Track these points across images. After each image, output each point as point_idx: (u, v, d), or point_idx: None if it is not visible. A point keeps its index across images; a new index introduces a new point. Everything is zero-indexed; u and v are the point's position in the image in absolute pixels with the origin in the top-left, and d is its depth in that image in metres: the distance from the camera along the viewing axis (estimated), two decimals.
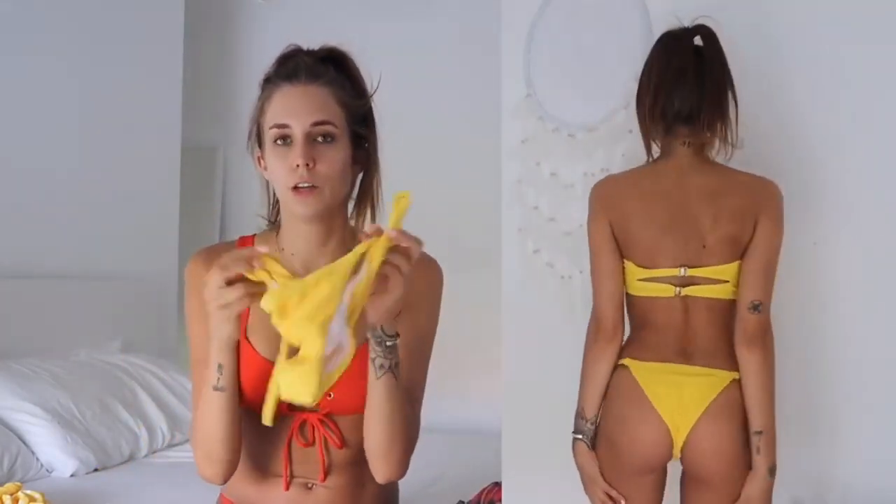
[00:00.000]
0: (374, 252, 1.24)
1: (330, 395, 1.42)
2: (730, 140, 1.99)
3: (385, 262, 1.24)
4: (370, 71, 1.52)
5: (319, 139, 1.40)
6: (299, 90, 1.41)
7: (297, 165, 1.37)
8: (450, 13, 4.32)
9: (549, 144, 2.55)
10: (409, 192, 1.24)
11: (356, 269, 1.23)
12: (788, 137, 2.24)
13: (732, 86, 1.99)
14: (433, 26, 4.36)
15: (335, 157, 1.40)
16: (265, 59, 1.49)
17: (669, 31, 2.03)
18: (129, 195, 4.06)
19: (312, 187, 1.38)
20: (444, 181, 4.12)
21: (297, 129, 1.39)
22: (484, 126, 3.32)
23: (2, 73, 3.50)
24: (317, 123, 1.39)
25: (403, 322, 1.38)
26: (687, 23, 2.02)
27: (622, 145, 2.44)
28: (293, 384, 1.20)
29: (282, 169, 1.39)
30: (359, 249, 1.24)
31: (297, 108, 1.40)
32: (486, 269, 3.01)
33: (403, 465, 1.44)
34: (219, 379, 1.35)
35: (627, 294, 2.03)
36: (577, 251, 2.49)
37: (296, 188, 1.39)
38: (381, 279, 1.25)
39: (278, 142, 1.40)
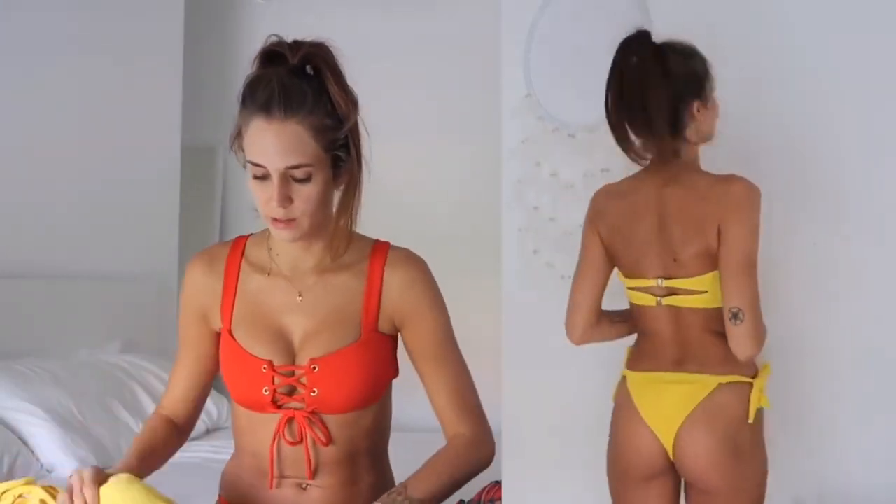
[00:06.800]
0: None
1: (314, 392, 1.43)
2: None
3: None
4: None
5: (296, 175, 1.36)
6: (274, 128, 1.35)
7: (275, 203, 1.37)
8: (450, 13, 4.32)
9: (549, 144, 2.55)
10: None
11: None
12: (788, 138, 2.24)
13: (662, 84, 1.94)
14: (433, 26, 4.36)
15: (311, 193, 1.38)
16: None
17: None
18: (129, 195, 4.05)
19: (290, 220, 1.38)
20: (445, 181, 4.12)
21: (272, 170, 1.36)
22: (484, 126, 3.32)
23: (1, 73, 3.50)
24: (291, 167, 1.36)
25: (419, 332, 1.35)
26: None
27: None
28: None
29: (260, 199, 1.39)
30: None
31: (271, 151, 1.35)
32: (486, 269, 3.01)
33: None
34: None
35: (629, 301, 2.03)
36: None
37: (274, 219, 1.39)
38: None
39: (256, 175, 1.38)
